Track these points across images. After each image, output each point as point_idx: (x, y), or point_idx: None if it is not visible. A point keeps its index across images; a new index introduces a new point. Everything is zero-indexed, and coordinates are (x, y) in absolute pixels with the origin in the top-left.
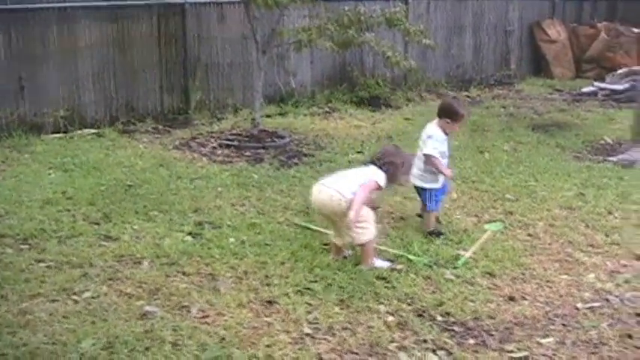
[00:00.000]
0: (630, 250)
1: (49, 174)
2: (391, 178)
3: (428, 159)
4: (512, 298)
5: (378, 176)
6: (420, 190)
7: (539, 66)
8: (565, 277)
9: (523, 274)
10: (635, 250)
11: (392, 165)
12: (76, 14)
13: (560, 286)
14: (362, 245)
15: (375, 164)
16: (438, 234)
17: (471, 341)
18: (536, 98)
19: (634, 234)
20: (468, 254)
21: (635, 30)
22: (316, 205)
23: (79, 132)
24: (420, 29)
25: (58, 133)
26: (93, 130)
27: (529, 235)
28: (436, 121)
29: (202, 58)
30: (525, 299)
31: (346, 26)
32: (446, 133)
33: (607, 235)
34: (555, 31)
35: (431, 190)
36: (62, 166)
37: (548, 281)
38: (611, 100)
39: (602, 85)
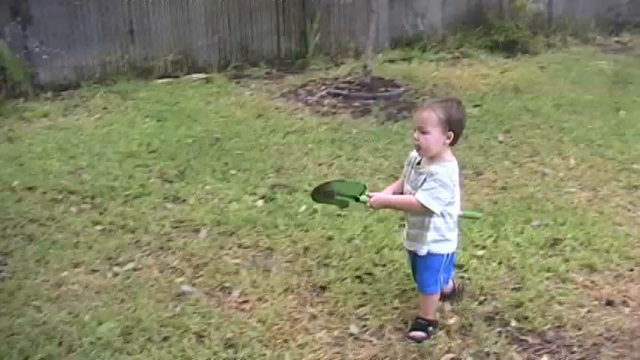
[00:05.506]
0: None
1: (144, 123)
2: None
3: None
4: (610, 303)
5: None
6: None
7: None
8: None
9: (632, 270)
10: None
11: None
12: None
13: None
14: None
15: None
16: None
17: (544, 359)
18: None
19: None
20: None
21: None
22: None
23: (188, 77)
24: None
25: (168, 77)
26: (202, 75)
27: None
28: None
29: None
30: (627, 305)
31: None
32: None
33: None
34: None
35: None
36: (158, 115)
37: None
38: None
39: None
